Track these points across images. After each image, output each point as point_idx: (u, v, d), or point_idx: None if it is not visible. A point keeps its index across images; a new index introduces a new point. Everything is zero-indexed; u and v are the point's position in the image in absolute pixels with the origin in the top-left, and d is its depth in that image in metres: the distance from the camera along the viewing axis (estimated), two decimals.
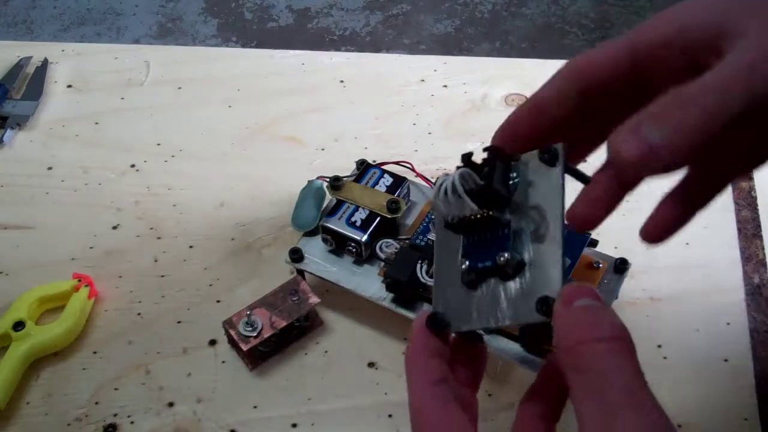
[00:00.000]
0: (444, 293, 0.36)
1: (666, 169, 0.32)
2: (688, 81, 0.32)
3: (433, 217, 0.38)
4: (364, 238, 0.51)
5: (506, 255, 0.33)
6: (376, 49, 1.75)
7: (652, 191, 0.36)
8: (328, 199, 0.55)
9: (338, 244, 0.52)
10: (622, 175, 0.33)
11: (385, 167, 0.55)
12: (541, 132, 0.36)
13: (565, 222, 0.34)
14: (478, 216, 0.35)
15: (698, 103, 0.30)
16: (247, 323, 0.49)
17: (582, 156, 0.39)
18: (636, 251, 0.54)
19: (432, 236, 0.51)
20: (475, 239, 0.35)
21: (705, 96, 0.30)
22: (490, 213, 0.34)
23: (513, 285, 0.34)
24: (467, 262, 0.35)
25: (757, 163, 0.37)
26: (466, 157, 0.35)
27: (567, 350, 0.30)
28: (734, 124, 0.31)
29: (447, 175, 0.34)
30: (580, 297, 0.31)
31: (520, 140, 0.37)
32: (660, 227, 0.38)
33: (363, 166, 0.55)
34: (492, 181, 0.34)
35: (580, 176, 0.35)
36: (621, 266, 0.51)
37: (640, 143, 0.31)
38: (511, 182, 0.35)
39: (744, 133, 0.34)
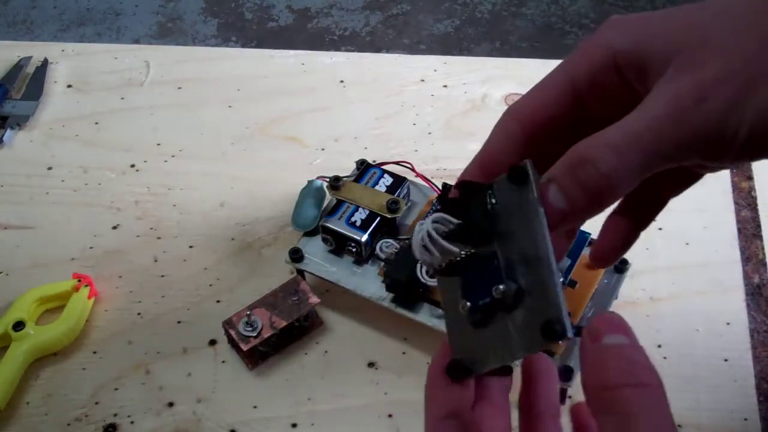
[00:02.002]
0: (458, 338, 0.35)
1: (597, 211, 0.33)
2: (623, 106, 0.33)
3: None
4: (364, 238, 0.51)
5: (501, 287, 0.32)
6: (376, 49, 1.75)
7: None
8: (328, 199, 0.55)
9: (338, 244, 0.52)
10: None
11: (385, 167, 0.55)
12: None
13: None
14: (463, 256, 0.34)
15: (596, 166, 0.31)
16: (247, 323, 0.49)
17: None
18: (636, 251, 0.54)
19: None
20: (469, 277, 0.34)
21: (602, 158, 0.31)
22: (473, 251, 0.34)
23: (519, 314, 0.33)
24: (468, 303, 0.34)
25: (693, 180, 0.38)
26: (443, 196, 0.34)
27: (596, 391, 0.29)
28: (645, 176, 0.31)
29: (422, 222, 0.33)
30: (609, 332, 0.30)
31: None
32: (608, 251, 0.39)
33: (363, 166, 0.55)
34: (469, 217, 0.34)
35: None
36: (621, 266, 0.51)
37: (549, 210, 0.32)
38: (490, 209, 0.34)
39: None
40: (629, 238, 0.39)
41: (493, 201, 0.34)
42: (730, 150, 0.31)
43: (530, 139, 0.35)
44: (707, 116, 0.30)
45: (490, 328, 0.33)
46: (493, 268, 0.33)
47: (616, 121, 0.33)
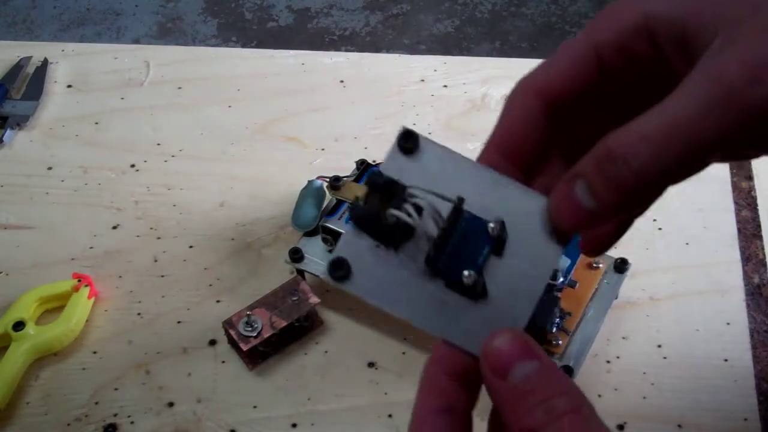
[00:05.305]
0: (363, 250, 0.30)
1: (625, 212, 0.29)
2: (654, 85, 0.29)
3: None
4: None
5: (473, 276, 0.29)
6: (376, 49, 1.75)
7: None
8: (328, 199, 0.55)
9: None
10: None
11: None
12: (515, 172, 0.31)
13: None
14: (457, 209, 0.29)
15: (627, 162, 0.27)
16: (247, 323, 0.49)
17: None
18: (636, 251, 0.54)
19: None
20: (452, 240, 0.30)
21: (635, 152, 0.27)
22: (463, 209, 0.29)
23: (464, 302, 0.30)
24: (431, 265, 0.29)
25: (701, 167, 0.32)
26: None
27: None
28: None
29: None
30: (516, 363, 0.27)
31: None
32: (601, 237, 0.34)
33: (363, 166, 0.55)
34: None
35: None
36: (621, 266, 0.51)
37: (575, 210, 0.29)
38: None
39: None
40: (624, 225, 0.34)
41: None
42: None
43: (551, 116, 0.31)
44: (762, 99, 0.25)
45: (423, 284, 0.30)
46: (478, 244, 0.30)
47: (650, 98, 0.28)
